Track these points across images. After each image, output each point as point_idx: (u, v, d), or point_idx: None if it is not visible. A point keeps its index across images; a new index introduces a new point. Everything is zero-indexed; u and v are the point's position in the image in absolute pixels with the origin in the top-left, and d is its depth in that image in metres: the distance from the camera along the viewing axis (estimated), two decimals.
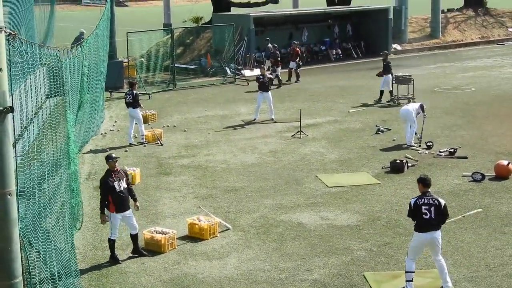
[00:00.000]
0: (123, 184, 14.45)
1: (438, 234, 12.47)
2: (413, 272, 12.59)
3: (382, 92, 30.41)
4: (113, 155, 14.82)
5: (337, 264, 14.01)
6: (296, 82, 36.20)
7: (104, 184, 14.39)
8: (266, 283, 13.24)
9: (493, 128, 24.97)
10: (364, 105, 29.89)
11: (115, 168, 14.54)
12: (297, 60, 36.52)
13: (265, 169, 20.74)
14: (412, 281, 12.55)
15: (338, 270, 13.73)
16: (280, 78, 35.32)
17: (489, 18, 55.05)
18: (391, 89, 30.28)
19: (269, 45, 38.54)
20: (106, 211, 14.46)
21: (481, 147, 22.35)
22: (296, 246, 14.96)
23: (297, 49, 37.04)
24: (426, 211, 12.39)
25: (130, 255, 14.67)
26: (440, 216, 12.46)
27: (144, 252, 14.60)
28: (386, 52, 32.19)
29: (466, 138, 23.53)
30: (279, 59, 36.17)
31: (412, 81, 29.65)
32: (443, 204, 12.49)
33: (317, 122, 26.77)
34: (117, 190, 14.32)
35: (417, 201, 12.53)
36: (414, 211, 12.54)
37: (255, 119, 27.30)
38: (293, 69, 36.39)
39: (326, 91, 33.73)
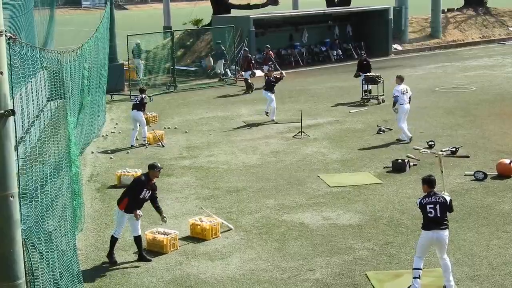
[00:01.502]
0: (148, 195, 14.51)
1: (445, 233, 12.49)
2: (420, 269, 12.59)
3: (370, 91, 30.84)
4: (159, 164, 14.90)
5: (339, 263, 14.01)
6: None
7: (138, 185, 14.45)
8: (268, 283, 13.25)
9: (494, 127, 24.97)
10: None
11: (153, 179, 14.62)
12: (269, 64, 36.37)
13: (266, 170, 20.75)
14: (419, 278, 12.56)
15: (340, 269, 13.73)
16: (250, 82, 34.92)
17: (489, 18, 55.09)
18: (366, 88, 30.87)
19: (222, 46, 38.76)
20: (116, 207, 14.57)
21: (482, 146, 22.35)
22: (298, 246, 14.96)
23: (270, 52, 36.99)
24: (431, 209, 12.42)
25: (133, 255, 14.68)
26: (446, 213, 12.51)
27: (147, 257, 14.57)
28: (364, 52, 33.04)
29: (468, 137, 23.53)
30: (252, 62, 35.95)
31: (381, 81, 30.01)
32: (448, 200, 12.54)
33: (318, 123, 26.78)
34: (141, 197, 14.41)
35: (422, 201, 12.60)
36: (421, 210, 12.63)
37: (273, 119, 27.34)
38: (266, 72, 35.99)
39: (327, 91, 33.75)
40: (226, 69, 38.79)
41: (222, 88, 36.27)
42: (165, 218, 14.84)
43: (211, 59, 40.65)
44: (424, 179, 12.90)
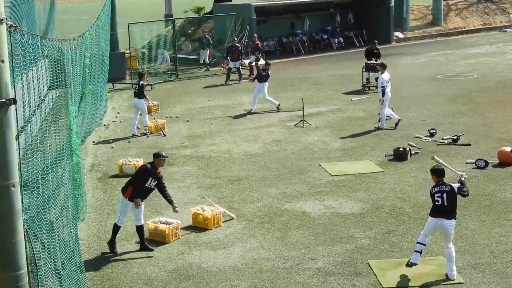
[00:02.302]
0: (153, 184, 14.47)
1: (449, 222, 12.60)
2: (424, 245, 12.81)
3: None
4: (164, 153, 14.86)
5: (341, 252, 14.02)
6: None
7: (143, 173, 14.44)
8: (271, 272, 13.26)
9: (496, 114, 24.93)
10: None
11: (158, 168, 14.58)
12: (256, 53, 36.18)
13: (268, 159, 20.74)
14: (420, 252, 12.74)
15: (342, 258, 13.74)
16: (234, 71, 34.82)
17: (491, 5, 54.85)
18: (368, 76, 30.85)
19: (207, 35, 38.83)
20: (121, 195, 14.58)
21: (484, 134, 22.33)
22: (300, 235, 14.97)
23: (257, 42, 36.71)
24: (438, 198, 12.66)
25: (135, 245, 14.69)
26: (454, 201, 12.67)
27: (149, 247, 14.56)
28: (376, 41, 33.23)
29: (469, 125, 23.50)
30: (242, 52, 35.94)
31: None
32: (456, 188, 12.67)
33: (320, 111, 26.75)
34: (146, 185, 14.38)
35: (431, 190, 12.89)
36: (431, 199, 12.88)
37: (278, 105, 27.26)
38: (253, 63, 35.66)
39: (328, 79, 33.69)
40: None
41: (223, 76, 36.04)
42: (176, 208, 14.74)
43: (189, 44, 40.81)
44: (432, 169, 13.11)
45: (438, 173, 12.94)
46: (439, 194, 12.66)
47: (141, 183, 14.33)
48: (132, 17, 50.38)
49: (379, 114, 24.42)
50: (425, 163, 19.29)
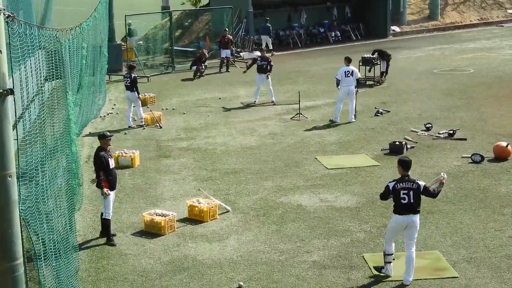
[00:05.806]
0: (112, 162, 14.58)
1: (416, 217, 12.29)
2: (392, 254, 12.59)
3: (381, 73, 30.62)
4: (108, 133, 14.96)
5: (336, 245, 14.05)
6: (220, 72, 35.33)
7: (100, 159, 14.43)
8: (266, 265, 13.28)
9: (492, 109, 24.96)
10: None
11: (107, 147, 14.68)
12: (231, 48, 36.08)
13: (264, 151, 20.76)
14: (391, 263, 12.60)
15: (337, 251, 13.77)
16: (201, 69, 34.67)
17: (487, 0, 54.87)
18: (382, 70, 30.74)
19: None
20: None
21: (480, 129, 22.36)
22: (295, 228, 15.00)
23: (228, 35, 36.46)
24: (404, 195, 12.19)
25: (130, 237, 14.70)
26: (419, 199, 12.26)
27: (113, 242, 14.47)
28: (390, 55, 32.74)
29: (465, 120, 23.53)
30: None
31: (377, 63, 30.28)
32: (422, 187, 12.27)
33: (316, 104, 26.76)
34: (111, 167, 14.44)
35: (396, 186, 12.30)
36: (392, 194, 12.36)
37: (255, 101, 27.24)
38: (225, 57, 35.73)
39: (325, 73, 33.65)
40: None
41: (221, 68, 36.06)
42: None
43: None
44: (401, 160, 12.67)
45: (405, 165, 12.48)
46: (406, 192, 12.13)
47: (107, 167, 14.36)
48: (129, 8, 50.28)
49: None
50: (421, 157, 19.35)
